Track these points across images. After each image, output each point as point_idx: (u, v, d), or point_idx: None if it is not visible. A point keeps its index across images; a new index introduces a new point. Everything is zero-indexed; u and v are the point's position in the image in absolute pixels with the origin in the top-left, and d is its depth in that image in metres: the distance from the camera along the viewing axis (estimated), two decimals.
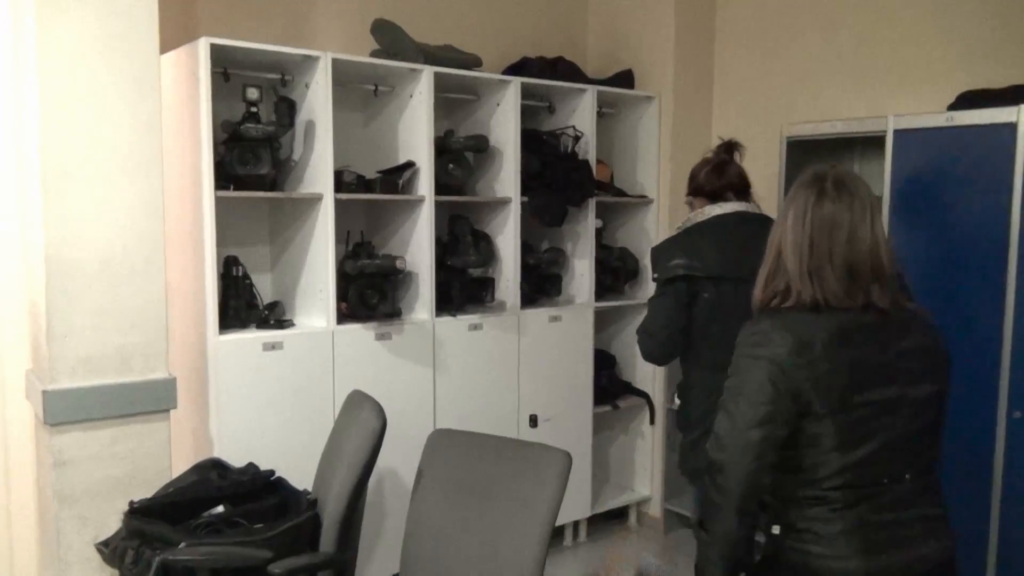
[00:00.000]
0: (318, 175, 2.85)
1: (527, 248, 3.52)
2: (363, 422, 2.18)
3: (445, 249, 3.28)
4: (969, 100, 2.86)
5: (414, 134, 3.12)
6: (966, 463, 2.72)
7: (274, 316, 2.91)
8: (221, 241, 2.67)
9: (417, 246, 3.12)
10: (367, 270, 2.92)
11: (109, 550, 2.15)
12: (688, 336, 2.51)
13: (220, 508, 2.21)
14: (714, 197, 2.58)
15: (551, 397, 3.53)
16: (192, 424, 2.77)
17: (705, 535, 1.61)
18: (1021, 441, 2.66)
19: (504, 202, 3.37)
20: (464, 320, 3.23)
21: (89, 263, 2.24)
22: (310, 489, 2.34)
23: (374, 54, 3.15)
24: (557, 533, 3.68)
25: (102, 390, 2.26)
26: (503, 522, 1.91)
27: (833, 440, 1.51)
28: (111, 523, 2.24)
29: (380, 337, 2.99)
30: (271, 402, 2.74)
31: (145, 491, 2.26)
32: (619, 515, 4.02)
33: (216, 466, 2.37)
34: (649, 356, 2.63)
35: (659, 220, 3.86)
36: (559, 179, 3.44)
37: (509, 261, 3.39)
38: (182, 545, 1.96)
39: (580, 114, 3.61)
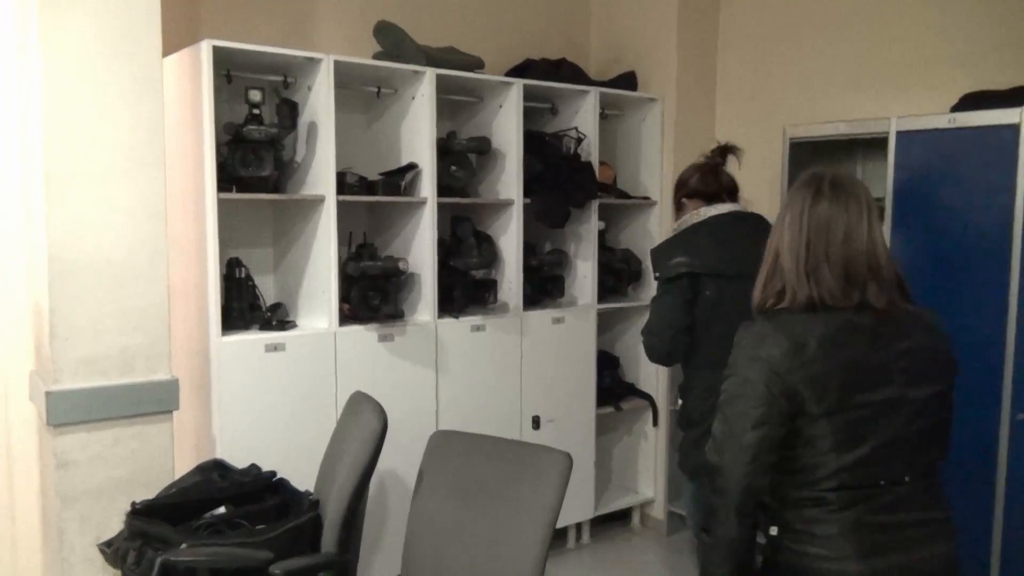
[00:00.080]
0: (320, 177, 2.86)
1: (529, 250, 3.52)
2: (365, 423, 2.18)
3: (447, 251, 3.28)
4: (972, 101, 2.86)
5: (416, 136, 3.12)
6: (969, 465, 2.71)
7: (276, 317, 2.91)
8: (224, 243, 2.68)
9: (419, 248, 3.13)
10: (369, 272, 2.93)
11: (111, 551, 2.15)
12: (691, 335, 2.52)
13: (222, 509, 2.21)
14: (710, 199, 2.64)
15: (554, 399, 3.53)
16: (194, 425, 2.78)
17: (708, 538, 1.62)
18: None
19: (506, 204, 3.37)
20: (466, 321, 3.23)
21: (92, 264, 2.25)
22: (312, 490, 2.34)
23: (376, 56, 3.15)
24: (560, 535, 3.67)
25: (105, 391, 2.27)
26: (504, 523, 1.91)
27: (830, 441, 1.51)
28: (113, 524, 2.25)
29: (382, 338, 2.99)
30: (273, 403, 2.74)
31: (147, 492, 2.26)
32: (622, 517, 4.01)
33: (218, 467, 2.37)
34: (655, 356, 2.64)
35: (662, 222, 3.85)
36: (561, 181, 3.44)
37: (511, 263, 3.39)
38: (184, 546, 1.97)
39: (583, 116, 3.61)
